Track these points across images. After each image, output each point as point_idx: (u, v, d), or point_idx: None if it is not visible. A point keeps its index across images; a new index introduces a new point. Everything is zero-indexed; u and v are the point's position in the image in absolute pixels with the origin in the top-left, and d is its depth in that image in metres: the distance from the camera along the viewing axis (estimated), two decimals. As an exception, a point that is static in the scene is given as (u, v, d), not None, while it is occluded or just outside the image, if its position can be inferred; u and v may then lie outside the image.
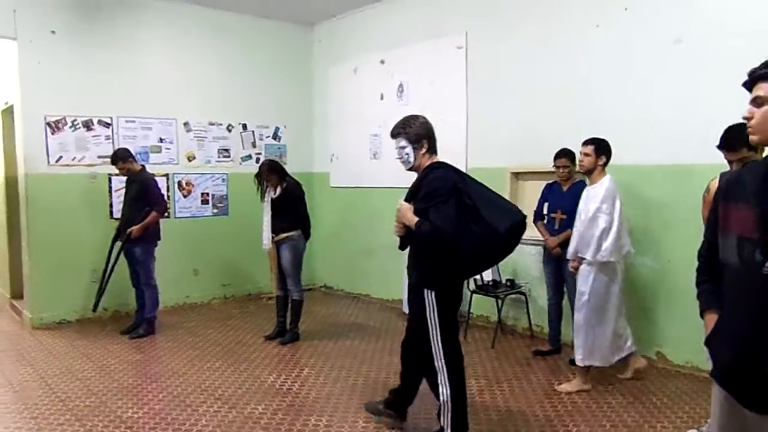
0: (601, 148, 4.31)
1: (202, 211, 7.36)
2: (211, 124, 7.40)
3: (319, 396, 4.34)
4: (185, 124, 7.20)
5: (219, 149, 7.48)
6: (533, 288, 5.73)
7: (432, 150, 3.39)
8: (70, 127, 6.43)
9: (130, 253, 5.90)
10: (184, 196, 7.23)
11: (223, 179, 7.50)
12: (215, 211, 7.46)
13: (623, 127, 5.00)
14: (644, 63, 4.88)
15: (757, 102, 1.76)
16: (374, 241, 7.20)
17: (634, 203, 4.98)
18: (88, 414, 4.03)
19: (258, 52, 7.74)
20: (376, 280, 7.39)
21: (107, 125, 6.64)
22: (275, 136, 8.00)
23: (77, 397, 4.32)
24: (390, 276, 6.99)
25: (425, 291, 3.26)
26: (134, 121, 6.82)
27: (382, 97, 7.17)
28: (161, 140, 7.04)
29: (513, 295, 5.77)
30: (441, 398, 3.31)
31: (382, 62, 7.15)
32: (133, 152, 6.22)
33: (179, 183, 7.19)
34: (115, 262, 5.94)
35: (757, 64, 1.78)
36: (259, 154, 7.75)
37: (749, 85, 1.79)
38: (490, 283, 5.62)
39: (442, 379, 3.27)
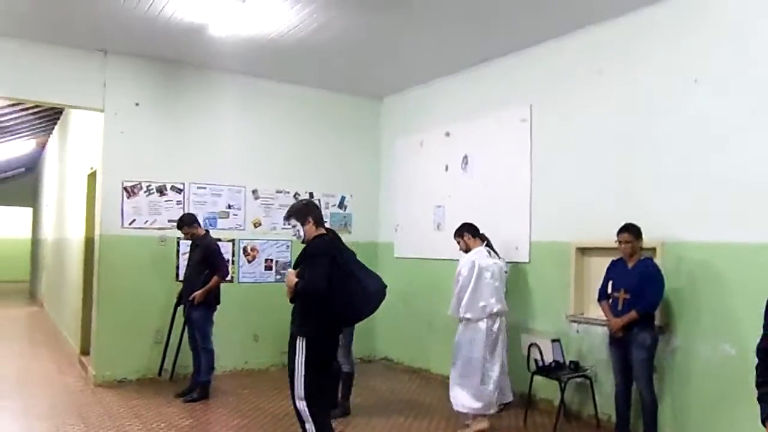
0: (460, 230, 5.38)
1: (265, 276, 7.45)
2: (279, 191, 7.58)
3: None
4: (254, 191, 7.41)
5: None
6: (600, 372, 5.35)
7: (317, 223, 4.02)
8: (145, 192, 6.74)
9: (189, 317, 6.00)
10: (249, 262, 7.35)
11: (287, 246, 7.59)
12: (278, 277, 7.51)
13: (695, 203, 4.72)
14: (718, 137, 4.61)
15: None
16: (435, 314, 7.00)
17: (710, 284, 4.61)
18: (126, 478, 4.00)
19: (327, 124, 7.96)
20: (436, 354, 7.15)
21: (179, 191, 6.92)
22: (341, 205, 8.09)
23: (120, 460, 4.31)
24: (450, 350, 6.75)
25: (297, 338, 3.78)
26: (205, 188, 7.08)
27: (446, 169, 7.14)
28: (229, 206, 7.25)
29: (578, 379, 5.41)
30: None
31: (448, 134, 7.16)
32: (202, 217, 6.47)
33: (244, 248, 7.33)
34: (184, 327, 6.08)
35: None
36: (325, 222, 7.80)
37: None
38: (553, 365, 5.30)
39: (306, 416, 3.72)
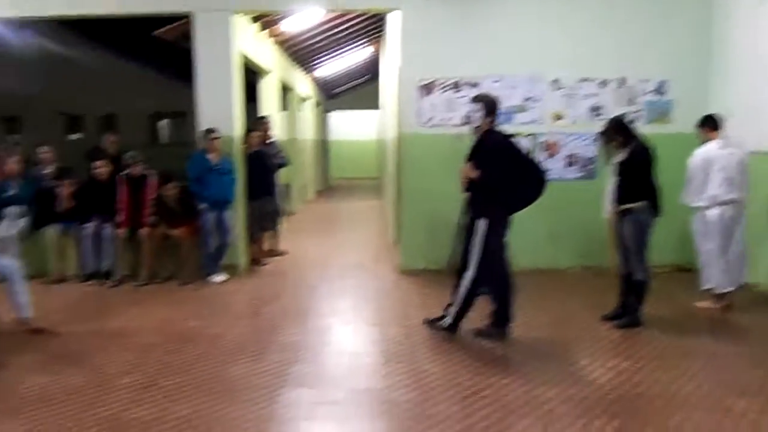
0: (701, 123, 5.38)
1: (565, 173, 6.97)
2: (583, 80, 6.87)
3: (626, 395, 3.68)
4: (554, 81, 6.86)
5: (590, 107, 6.92)
6: None
7: (493, 122, 4.61)
8: (440, 89, 6.78)
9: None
10: (548, 158, 6.94)
11: (592, 140, 6.92)
12: (580, 174, 6.97)
13: None
14: None
15: None
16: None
17: None
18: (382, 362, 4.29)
19: (640, -5, 6.83)
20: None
21: (474, 85, 6.78)
22: (659, 91, 6.98)
23: (391, 345, 4.64)
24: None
25: (477, 220, 4.47)
26: (500, 81, 6.80)
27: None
28: (527, 99, 6.87)
29: None
30: (458, 294, 4.63)
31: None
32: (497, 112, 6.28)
33: (543, 144, 6.93)
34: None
35: None
36: (638, 112, 6.89)
37: None
38: None
39: (464, 283, 4.57)
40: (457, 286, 4.65)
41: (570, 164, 6.98)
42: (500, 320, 4.63)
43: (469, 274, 4.53)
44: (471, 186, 4.55)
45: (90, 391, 3.84)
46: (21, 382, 4.01)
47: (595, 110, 6.93)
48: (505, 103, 6.76)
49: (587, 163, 6.97)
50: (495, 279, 4.58)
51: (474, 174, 4.45)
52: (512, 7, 6.75)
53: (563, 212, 6.91)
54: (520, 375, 4.00)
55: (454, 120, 6.80)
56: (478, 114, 4.54)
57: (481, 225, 4.45)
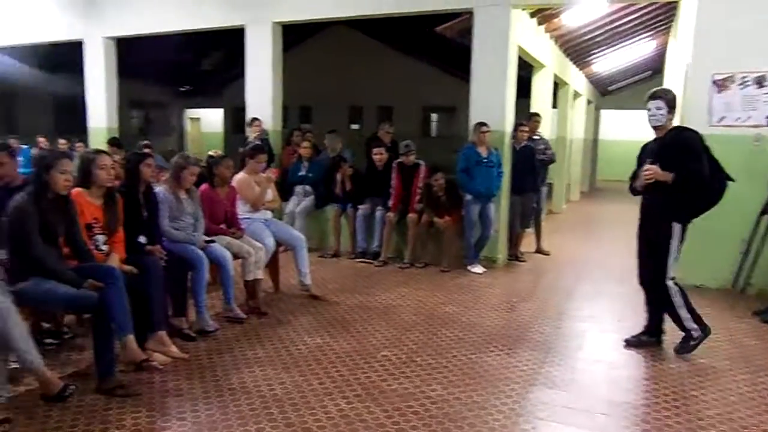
0: None
1: None
2: None
3: None
4: None
5: None
6: None
7: (673, 119, 4.27)
8: (739, 84, 5.99)
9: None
10: None
11: None
12: None
13: None
14: None
15: None
16: None
17: None
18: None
19: None
20: None
21: (783, 81, 5.88)
22: None
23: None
24: None
25: (673, 223, 4.18)
26: (819, 76, 5.78)
27: None
28: None
29: None
30: (676, 306, 4.25)
31: None
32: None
33: None
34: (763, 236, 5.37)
35: None
36: None
37: None
38: None
39: (674, 292, 4.25)
40: (668, 304, 4.31)
41: None
42: (656, 330, 4.51)
43: (671, 283, 4.27)
44: (655, 189, 4.20)
45: (355, 358, 4.18)
46: (297, 340, 4.53)
47: None
48: (823, 103, 5.79)
49: None
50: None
51: (667, 176, 4.07)
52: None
53: None
54: (819, 422, 3.38)
55: (753, 119, 5.97)
56: (660, 112, 4.19)
57: (676, 229, 4.21)
